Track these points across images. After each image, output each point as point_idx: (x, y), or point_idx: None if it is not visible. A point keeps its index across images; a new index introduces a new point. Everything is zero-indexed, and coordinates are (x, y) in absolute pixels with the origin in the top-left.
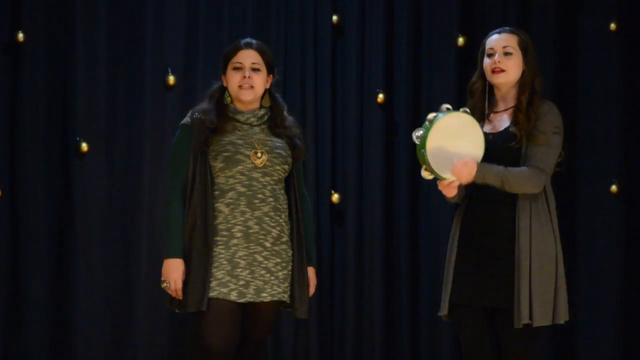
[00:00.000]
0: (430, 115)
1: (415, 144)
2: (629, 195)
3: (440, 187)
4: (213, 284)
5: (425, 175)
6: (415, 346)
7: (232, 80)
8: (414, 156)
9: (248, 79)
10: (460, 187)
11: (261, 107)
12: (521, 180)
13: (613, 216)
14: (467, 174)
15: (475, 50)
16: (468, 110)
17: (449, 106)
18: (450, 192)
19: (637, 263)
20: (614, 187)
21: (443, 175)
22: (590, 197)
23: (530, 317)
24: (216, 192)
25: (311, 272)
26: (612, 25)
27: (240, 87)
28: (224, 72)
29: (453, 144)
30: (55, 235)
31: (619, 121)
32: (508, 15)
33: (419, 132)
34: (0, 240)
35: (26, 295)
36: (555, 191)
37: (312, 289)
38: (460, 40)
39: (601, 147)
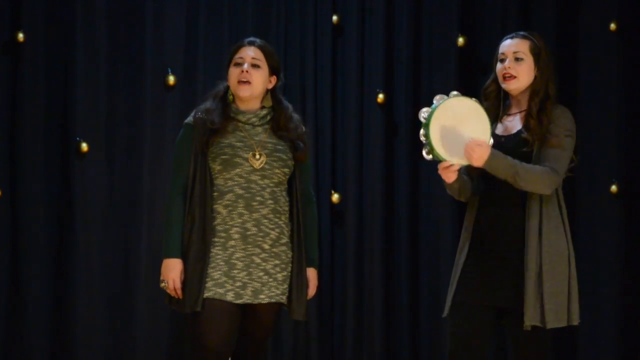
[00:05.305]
0: (438, 96)
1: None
2: (629, 195)
3: (439, 171)
4: (209, 284)
5: (426, 156)
6: (415, 346)
7: (232, 75)
8: (414, 155)
9: (246, 73)
10: (462, 180)
11: (263, 107)
12: (534, 177)
13: (613, 216)
14: (479, 156)
15: (475, 50)
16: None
17: (457, 93)
18: (450, 176)
19: (637, 263)
20: (614, 187)
21: (443, 156)
22: (590, 197)
23: (543, 319)
24: (215, 194)
25: (312, 273)
26: (612, 25)
27: (238, 82)
28: (227, 71)
29: (458, 126)
30: (55, 235)
31: (619, 121)
32: (508, 15)
33: (425, 111)
34: (0, 240)
35: (26, 295)
36: None
37: (312, 291)
38: (460, 40)
39: (601, 147)
